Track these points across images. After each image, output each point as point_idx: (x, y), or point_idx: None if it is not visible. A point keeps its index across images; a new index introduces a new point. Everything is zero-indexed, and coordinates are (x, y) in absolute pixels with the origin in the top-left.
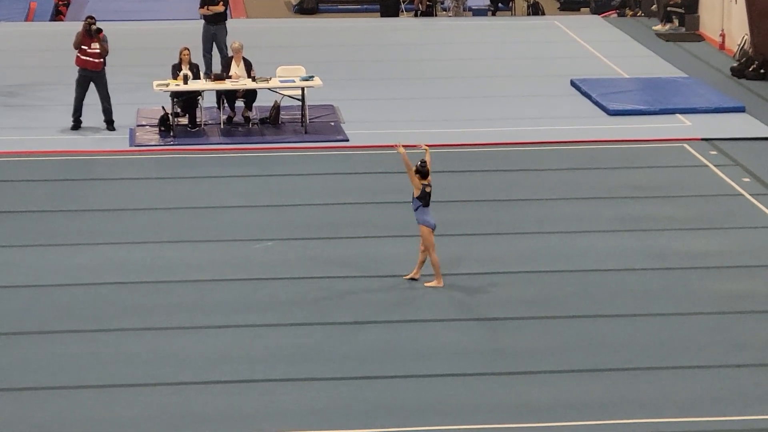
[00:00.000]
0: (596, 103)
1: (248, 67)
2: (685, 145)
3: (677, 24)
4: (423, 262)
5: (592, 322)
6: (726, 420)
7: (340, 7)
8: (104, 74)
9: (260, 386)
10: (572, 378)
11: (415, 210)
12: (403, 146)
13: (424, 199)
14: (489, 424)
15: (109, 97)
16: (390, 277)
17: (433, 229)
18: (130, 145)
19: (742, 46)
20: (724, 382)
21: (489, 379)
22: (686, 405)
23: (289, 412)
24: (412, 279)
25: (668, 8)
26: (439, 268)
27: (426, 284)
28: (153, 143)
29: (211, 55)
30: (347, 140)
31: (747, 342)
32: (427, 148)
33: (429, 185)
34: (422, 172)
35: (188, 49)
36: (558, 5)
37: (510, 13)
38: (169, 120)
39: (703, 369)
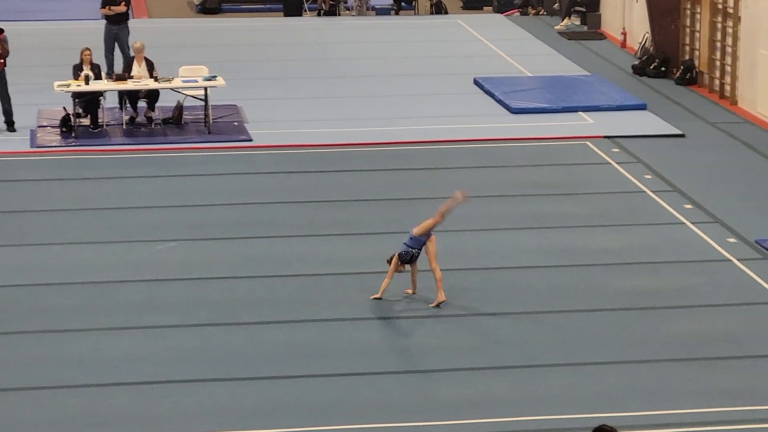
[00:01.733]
0: (499, 102)
1: (150, 67)
2: (588, 143)
3: (579, 22)
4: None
5: (497, 319)
6: (629, 415)
7: (243, 6)
8: (4, 75)
9: (164, 387)
10: (477, 375)
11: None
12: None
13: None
14: (395, 422)
15: (9, 98)
16: (294, 276)
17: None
18: (32, 147)
19: (644, 44)
20: (627, 378)
21: (394, 377)
22: (590, 401)
23: (193, 413)
24: (437, 305)
25: (574, 8)
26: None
27: (431, 305)
28: (54, 144)
29: (113, 56)
30: (251, 140)
31: (649, 338)
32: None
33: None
34: (405, 260)
35: (89, 50)
36: (461, 4)
37: (413, 12)
38: (70, 121)
39: (606, 365)
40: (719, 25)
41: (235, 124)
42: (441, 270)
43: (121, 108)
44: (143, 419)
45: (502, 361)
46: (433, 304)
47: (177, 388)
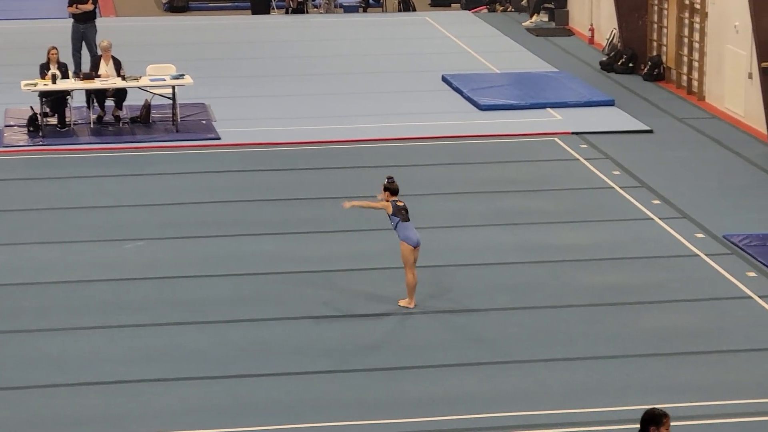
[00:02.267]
0: (467, 99)
1: (117, 65)
2: (556, 139)
3: (547, 19)
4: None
5: (465, 316)
6: (597, 411)
7: (210, 4)
8: None
9: (132, 387)
10: (446, 372)
11: (395, 227)
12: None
13: (400, 213)
14: (364, 420)
15: None
16: (262, 274)
17: (416, 246)
18: None
19: (611, 41)
20: (596, 374)
21: (363, 375)
22: (559, 397)
23: (162, 413)
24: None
25: (542, 4)
26: (413, 289)
27: (399, 302)
28: (22, 144)
29: (81, 54)
30: (219, 138)
31: (618, 334)
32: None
33: (400, 200)
34: (392, 188)
35: (56, 48)
36: (429, 1)
37: (381, 9)
38: (37, 120)
39: (575, 361)
40: (686, 21)
41: (203, 122)
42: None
43: (88, 107)
44: (112, 419)
45: (471, 357)
46: (405, 303)
47: (145, 388)
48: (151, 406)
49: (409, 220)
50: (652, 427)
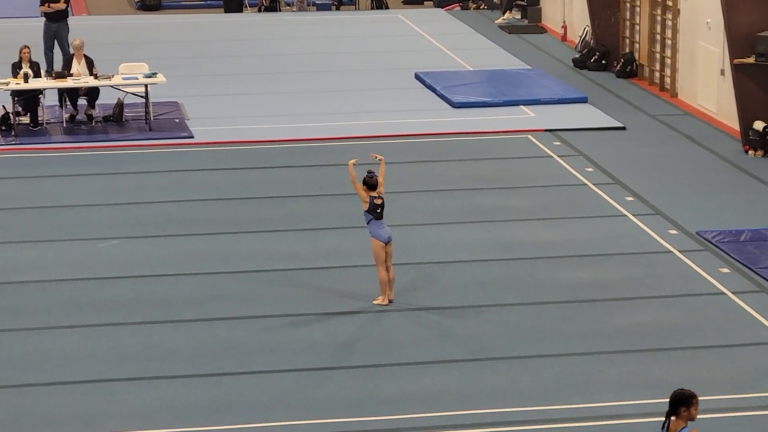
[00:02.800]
0: (441, 96)
1: (90, 64)
2: (530, 136)
3: (520, 16)
4: (389, 280)
5: (440, 313)
6: (572, 407)
7: (183, 3)
8: None
9: (107, 386)
10: (422, 369)
11: (367, 223)
12: (354, 160)
13: (374, 211)
14: (340, 417)
15: None
16: (237, 273)
17: (386, 243)
18: None
19: (584, 38)
20: (570, 370)
21: (339, 372)
22: (534, 393)
23: (137, 411)
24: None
25: (515, 2)
26: (385, 285)
27: (373, 301)
28: None
29: (53, 53)
30: (192, 137)
31: (592, 330)
32: (382, 159)
33: (379, 197)
34: (369, 183)
35: (28, 47)
36: None
37: (354, 7)
38: (10, 119)
39: (549, 357)
40: (659, 18)
41: (176, 121)
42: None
43: (61, 106)
44: (87, 418)
45: (446, 354)
46: (379, 301)
47: (120, 387)
48: (126, 405)
49: (382, 218)
50: (683, 408)
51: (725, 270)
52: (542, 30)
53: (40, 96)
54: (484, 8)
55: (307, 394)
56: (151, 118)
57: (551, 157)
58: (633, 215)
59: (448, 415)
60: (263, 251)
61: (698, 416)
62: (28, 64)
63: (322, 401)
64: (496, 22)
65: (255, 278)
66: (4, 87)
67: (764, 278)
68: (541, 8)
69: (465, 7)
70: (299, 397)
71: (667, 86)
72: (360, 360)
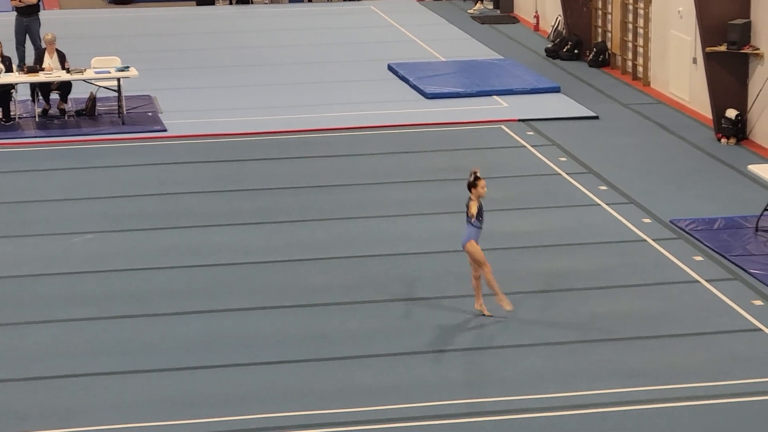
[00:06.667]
0: (414, 87)
1: (62, 58)
2: (503, 127)
3: (492, 6)
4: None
5: (414, 304)
6: (547, 397)
7: None
8: None
9: (83, 381)
10: (396, 361)
11: (471, 224)
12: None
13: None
14: (315, 410)
15: None
16: (211, 266)
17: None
18: None
19: (556, 27)
20: (545, 360)
21: (313, 365)
22: (509, 383)
23: (113, 406)
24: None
25: None
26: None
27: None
28: None
29: (25, 48)
30: (165, 130)
31: (567, 319)
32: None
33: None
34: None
35: (0, 42)
36: None
37: None
38: None
39: (524, 347)
40: (631, 7)
41: (149, 114)
42: (360, 257)
43: (33, 100)
44: (62, 413)
45: (421, 345)
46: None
47: (96, 381)
48: (102, 400)
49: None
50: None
51: (699, 258)
52: (515, 20)
53: (12, 91)
54: None
55: (282, 386)
56: (124, 112)
57: (524, 147)
58: (606, 204)
59: (423, 406)
60: (237, 244)
61: (675, 404)
62: (0, 59)
63: (296, 393)
64: (468, 12)
65: (229, 271)
66: None
67: (738, 266)
68: None
69: None
70: (274, 390)
71: (640, 75)
72: (335, 352)
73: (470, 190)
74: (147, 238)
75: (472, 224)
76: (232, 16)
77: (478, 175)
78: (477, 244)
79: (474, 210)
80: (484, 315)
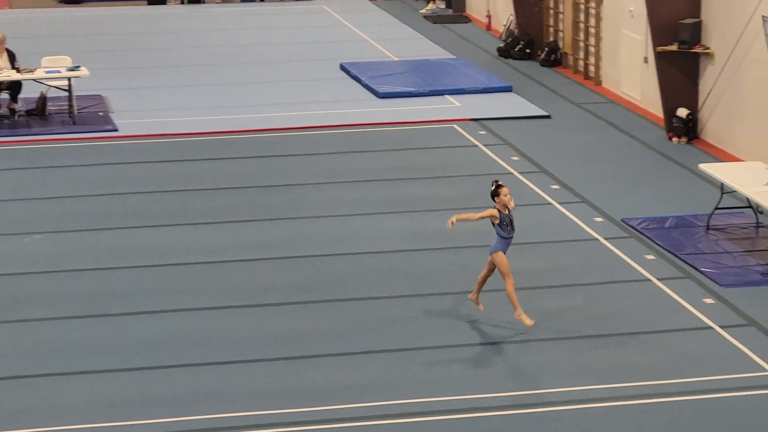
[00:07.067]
0: (366, 87)
1: (12, 58)
2: (455, 126)
3: (444, 6)
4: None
5: (367, 304)
6: (501, 396)
7: None
8: None
9: (32, 382)
10: (348, 360)
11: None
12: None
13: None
14: (267, 410)
15: None
16: (162, 266)
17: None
18: None
19: (508, 27)
20: (496, 358)
21: (265, 364)
22: (461, 382)
23: (63, 407)
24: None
25: None
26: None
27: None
28: None
29: None
30: (116, 130)
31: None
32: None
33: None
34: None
35: None
36: None
37: None
38: None
39: (477, 346)
40: (582, 7)
41: (100, 114)
42: (311, 256)
43: None
44: (12, 415)
45: (372, 345)
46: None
47: (46, 382)
48: (52, 401)
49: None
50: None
51: (650, 257)
52: (466, 19)
53: None
54: None
55: (233, 386)
56: (75, 112)
57: (477, 146)
58: (559, 203)
59: (376, 405)
60: (188, 244)
61: (625, 402)
62: None
63: (248, 393)
64: (420, 12)
65: (179, 271)
66: None
67: (689, 264)
68: None
69: None
70: (226, 390)
71: (591, 74)
72: (287, 352)
73: (494, 200)
74: (97, 239)
75: (500, 235)
76: (184, 16)
77: (500, 183)
78: (504, 255)
79: (492, 213)
80: (477, 307)
